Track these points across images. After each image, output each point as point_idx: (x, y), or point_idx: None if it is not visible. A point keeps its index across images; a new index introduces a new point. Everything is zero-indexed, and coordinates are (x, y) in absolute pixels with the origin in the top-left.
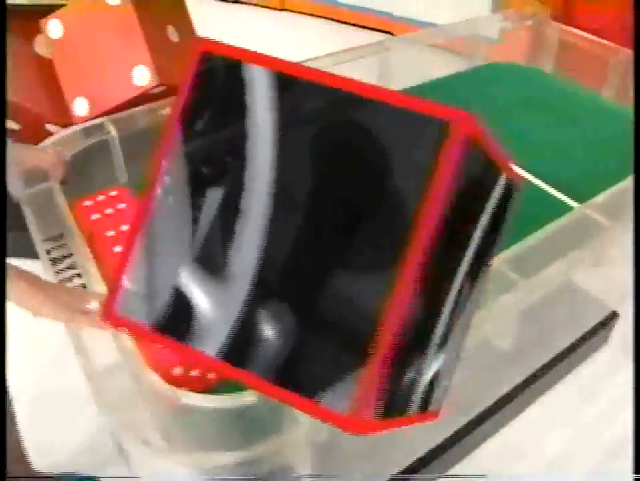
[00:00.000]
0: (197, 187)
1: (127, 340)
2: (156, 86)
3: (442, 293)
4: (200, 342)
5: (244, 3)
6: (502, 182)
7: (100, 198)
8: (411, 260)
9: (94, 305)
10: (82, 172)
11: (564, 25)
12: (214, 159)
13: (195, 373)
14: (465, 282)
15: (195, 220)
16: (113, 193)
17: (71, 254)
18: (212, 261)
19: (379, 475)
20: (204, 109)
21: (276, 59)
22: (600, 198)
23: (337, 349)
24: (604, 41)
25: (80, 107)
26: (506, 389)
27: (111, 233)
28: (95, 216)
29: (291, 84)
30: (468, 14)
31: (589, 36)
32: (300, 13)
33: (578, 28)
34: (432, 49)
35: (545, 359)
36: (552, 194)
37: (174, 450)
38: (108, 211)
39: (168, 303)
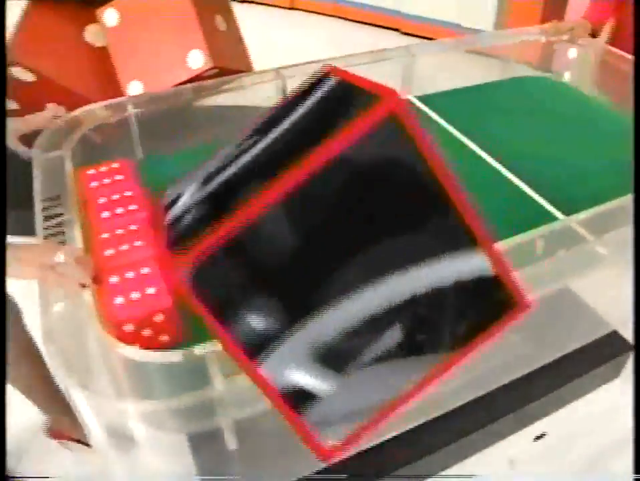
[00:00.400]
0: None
1: (88, 295)
2: (210, 69)
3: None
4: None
5: (254, 2)
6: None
7: (103, 168)
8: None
9: (60, 257)
10: (100, 145)
11: (604, 44)
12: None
13: (146, 332)
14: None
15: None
16: (115, 165)
17: (62, 214)
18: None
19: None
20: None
21: None
22: (585, 214)
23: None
24: None
25: (135, 89)
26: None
27: (102, 200)
28: (93, 184)
29: None
30: (474, 11)
31: (630, 56)
32: (310, 11)
33: (621, 48)
34: (464, 56)
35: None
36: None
37: (117, 396)
38: (106, 181)
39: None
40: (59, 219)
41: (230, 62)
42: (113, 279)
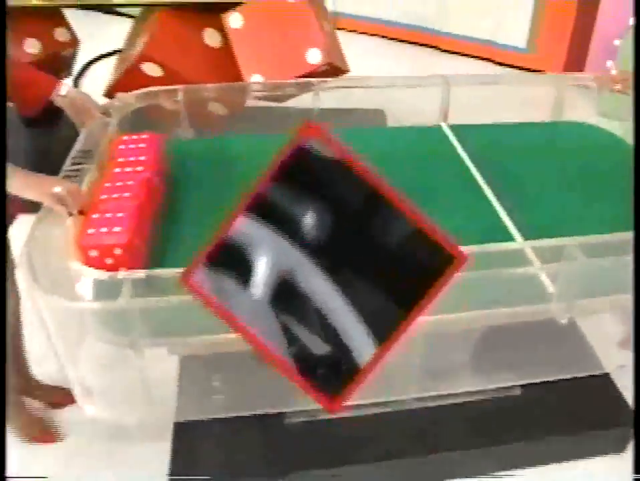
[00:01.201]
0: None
1: (70, 223)
2: (325, 64)
3: None
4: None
5: None
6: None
7: (135, 137)
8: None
9: (58, 189)
10: (153, 123)
11: None
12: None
13: (108, 261)
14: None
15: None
16: (144, 136)
17: (84, 163)
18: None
19: None
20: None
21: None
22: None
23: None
24: None
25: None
26: None
27: (121, 159)
28: (121, 147)
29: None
30: (509, 29)
31: None
32: (352, 31)
33: None
34: (498, 90)
35: None
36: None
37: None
38: (131, 146)
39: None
40: (80, 166)
41: (338, 61)
42: (94, 215)
